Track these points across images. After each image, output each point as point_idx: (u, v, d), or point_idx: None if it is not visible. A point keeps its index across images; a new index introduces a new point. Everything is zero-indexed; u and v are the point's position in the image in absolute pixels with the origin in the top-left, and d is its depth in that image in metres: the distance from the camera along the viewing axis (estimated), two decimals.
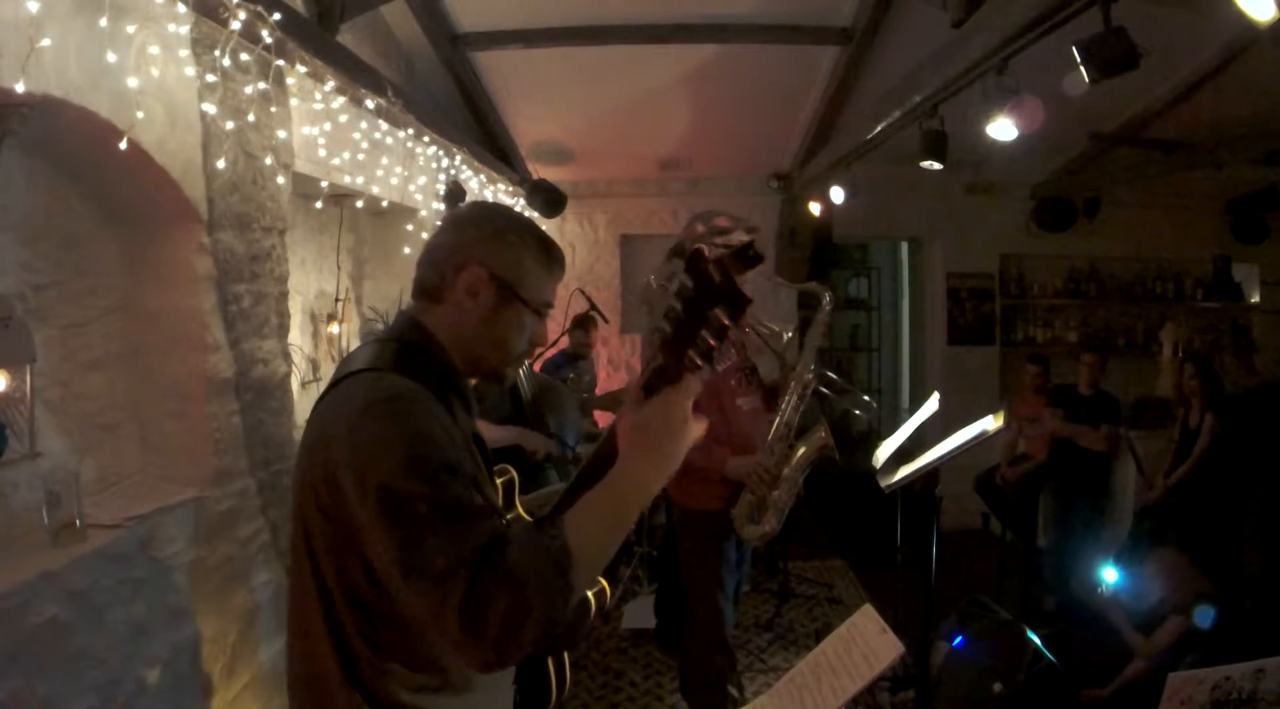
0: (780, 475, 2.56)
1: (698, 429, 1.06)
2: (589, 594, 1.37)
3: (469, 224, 1.23)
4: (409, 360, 1.14)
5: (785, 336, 2.78)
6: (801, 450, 2.60)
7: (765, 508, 2.55)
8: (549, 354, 4.61)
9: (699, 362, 1.00)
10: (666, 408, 1.03)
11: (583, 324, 4.67)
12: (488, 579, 0.93)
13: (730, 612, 2.72)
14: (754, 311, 2.71)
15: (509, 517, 1.31)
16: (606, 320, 4.90)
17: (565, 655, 1.47)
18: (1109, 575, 3.32)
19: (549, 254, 1.24)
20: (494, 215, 1.25)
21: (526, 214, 5.27)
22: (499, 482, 1.37)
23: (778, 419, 2.62)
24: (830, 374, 2.76)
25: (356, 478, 1.01)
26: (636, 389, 1.06)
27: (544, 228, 5.30)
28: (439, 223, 1.25)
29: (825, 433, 2.60)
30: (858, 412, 2.94)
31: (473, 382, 1.29)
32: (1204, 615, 2.86)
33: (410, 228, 3.73)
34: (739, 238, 2.64)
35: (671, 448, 1.04)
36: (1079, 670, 3.05)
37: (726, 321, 0.97)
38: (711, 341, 0.98)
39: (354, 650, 1.10)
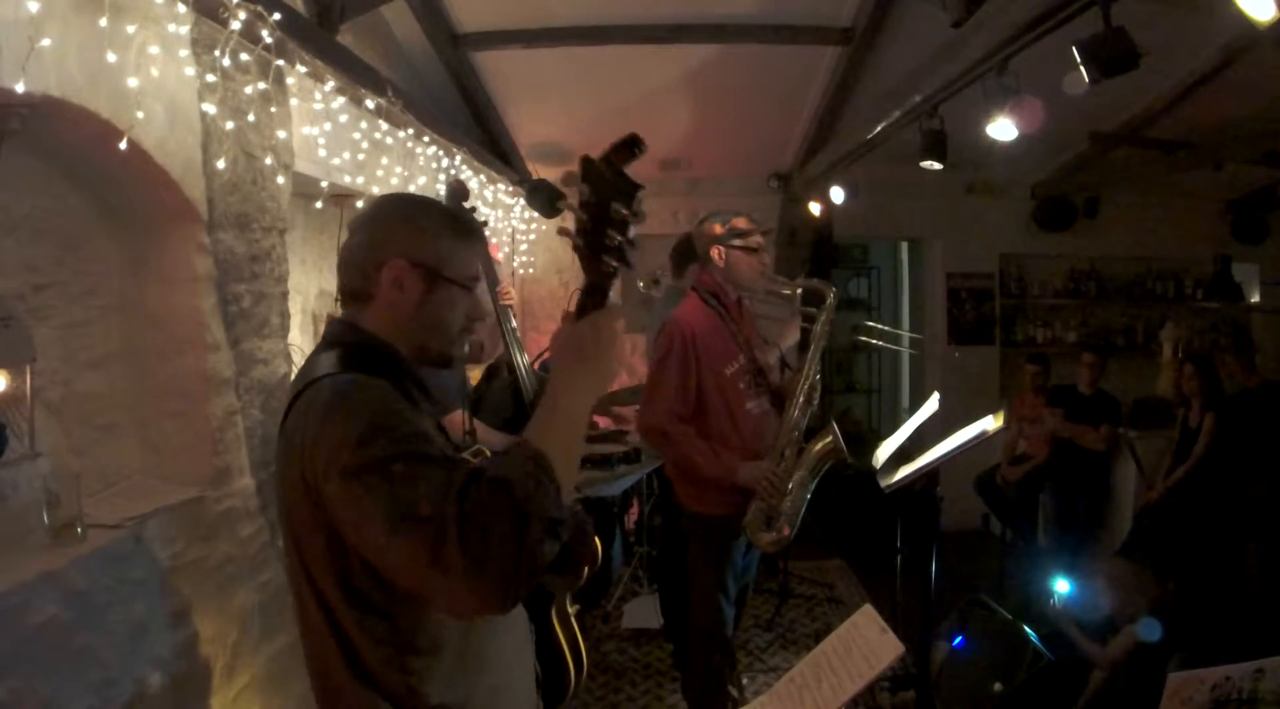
0: (791, 481, 2.54)
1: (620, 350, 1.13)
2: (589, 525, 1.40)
3: (378, 220, 1.24)
4: (358, 359, 1.16)
5: (797, 294, 2.79)
6: (815, 449, 2.59)
7: (779, 514, 2.54)
8: (550, 354, 4.61)
9: (614, 262, 1.05)
10: (595, 325, 1.09)
11: None
12: (476, 505, 0.93)
13: (732, 614, 2.72)
14: (765, 283, 2.73)
15: None
16: None
17: (580, 638, 1.48)
18: (1060, 586, 3.30)
19: (464, 228, 1.26)
20: (399, 204, 1.27)
21: (526, 214, 5.29)
22: (474, 461, 1.39)
23: (785, 424, 2.61)
24: (871, 325, 2.76)
25: (333, 471, 1.02)
26: (568, 312, 1.12)
27: (544, 228, 5.28)
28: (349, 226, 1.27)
29: (834, 436, 2.58)
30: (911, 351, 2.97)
31: (474, 381, 1.31)
32: (1149, 628, 2.84)
33: None
34: (755, 241, 2.64)
35: (600, 359, 1.10)
36: (1077, 670, 3.05)
37: (625, 211, 1.02)
38: (618, 238, 1.03)
39: (357, 646, 1.11)
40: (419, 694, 1.12)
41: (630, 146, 1.03)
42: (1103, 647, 3.00)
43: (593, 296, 1.09)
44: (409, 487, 0.97)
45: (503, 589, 0.92)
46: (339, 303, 1.31)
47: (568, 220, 1.12)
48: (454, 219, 1.26)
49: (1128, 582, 3.10)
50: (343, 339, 1.21)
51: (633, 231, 1.04)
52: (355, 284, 1.22)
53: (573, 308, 1.12)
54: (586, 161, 1.04)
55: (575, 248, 1.06)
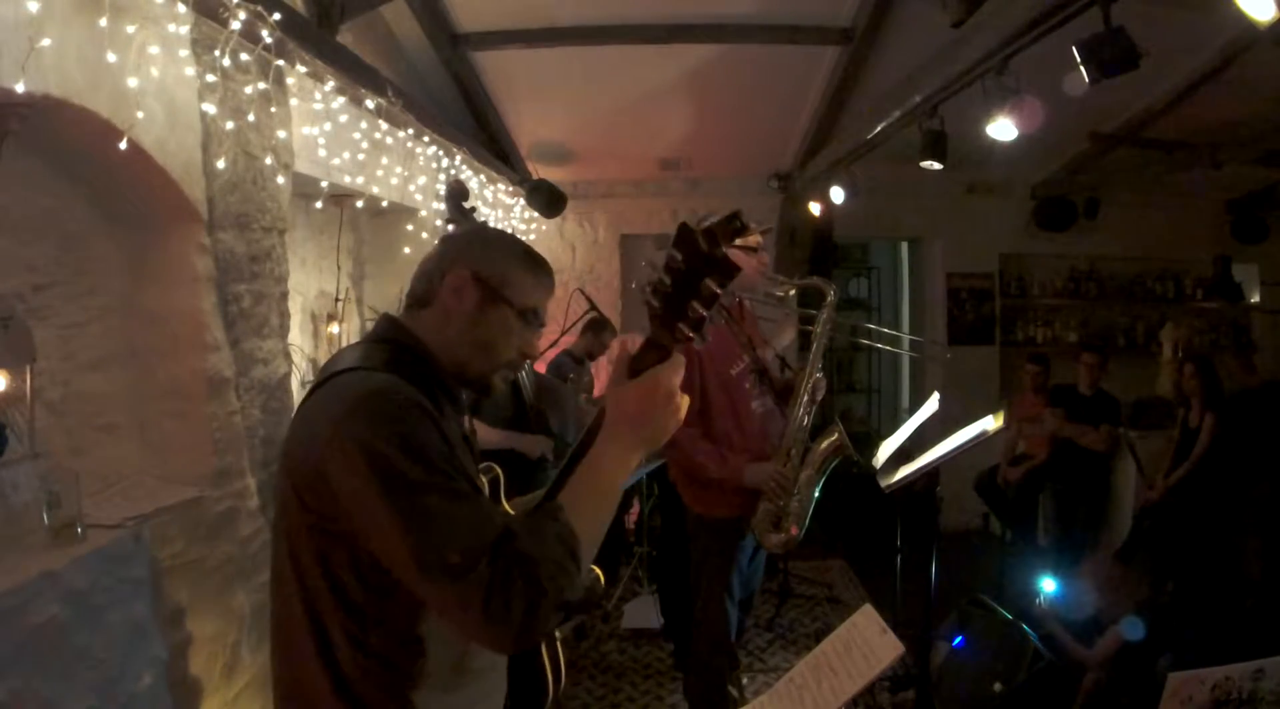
0: (798, 480, 2.54)
1: (683, 406, 1.10)
2: (597, 570, 1.41)
3: (458, 236, 1.33)
4: (397, 360, 1.15)
5: (791, 294, 2.78)
6: (821, 447, 2.59)
7: (787, 515, 2.54)
8: (550, 354, 4.61)
9: (689, 333, 1.02)
10: (652, 385, 1.06)
11: (598, 327, 4.67)
12: (503, 573, 0.96)
13: (736, 616, 2.72)
14: (764, 282, 2.73)
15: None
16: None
17: (560, 649, 1.48)
18: (1046, 586, 3.30)
19: (536, 263, 1.26)
20: (483, 229, 1.39)
21: (526, 214, 5.29)
22: (485, 478, 1.39)
23: (790, 424, 2.60)
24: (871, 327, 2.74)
25: (352, 474, 1.01)
26: (621, 366, 1.09)
27: (544, 228, 5.28)
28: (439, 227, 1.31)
29: (840, 433, 2.58)
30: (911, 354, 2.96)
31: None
32: (1133, 627, 2.84)
33: (410, 228, 3.73)
34: (753, 240, 2.64)
35: (655, 423, 1.08)
36: (1075, 671, 3.05)
37: (718, 290, 0.99)
38: (702, 312, 1.00)
39: (340, 655, 1.09)
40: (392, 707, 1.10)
41: (733, 223, 1.00)
42: (1088, 647, 3.00)
43: (654, 353, 1.06)
44: (440, 527, 0.98)
45: (510, 644, 1.00)
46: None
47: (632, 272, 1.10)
48: (530, 255, 1.26)
49: (1114, 582, 3.09)
50: (382, 336, 1.22)
51: (714, 309, 1.01)
52: (420, 289, 1.24)
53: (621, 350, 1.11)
54: (685, 229, 1.01)
55: (648, 306, 1.03)
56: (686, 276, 1.00)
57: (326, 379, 1.13)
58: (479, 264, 1.20)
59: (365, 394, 1.06)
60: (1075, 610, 3.16)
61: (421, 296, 1.23)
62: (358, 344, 1.23)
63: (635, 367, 1.08)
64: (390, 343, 1.19)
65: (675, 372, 1.07)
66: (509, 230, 5.28)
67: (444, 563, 0.96)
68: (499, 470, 1.52)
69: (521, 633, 0.97)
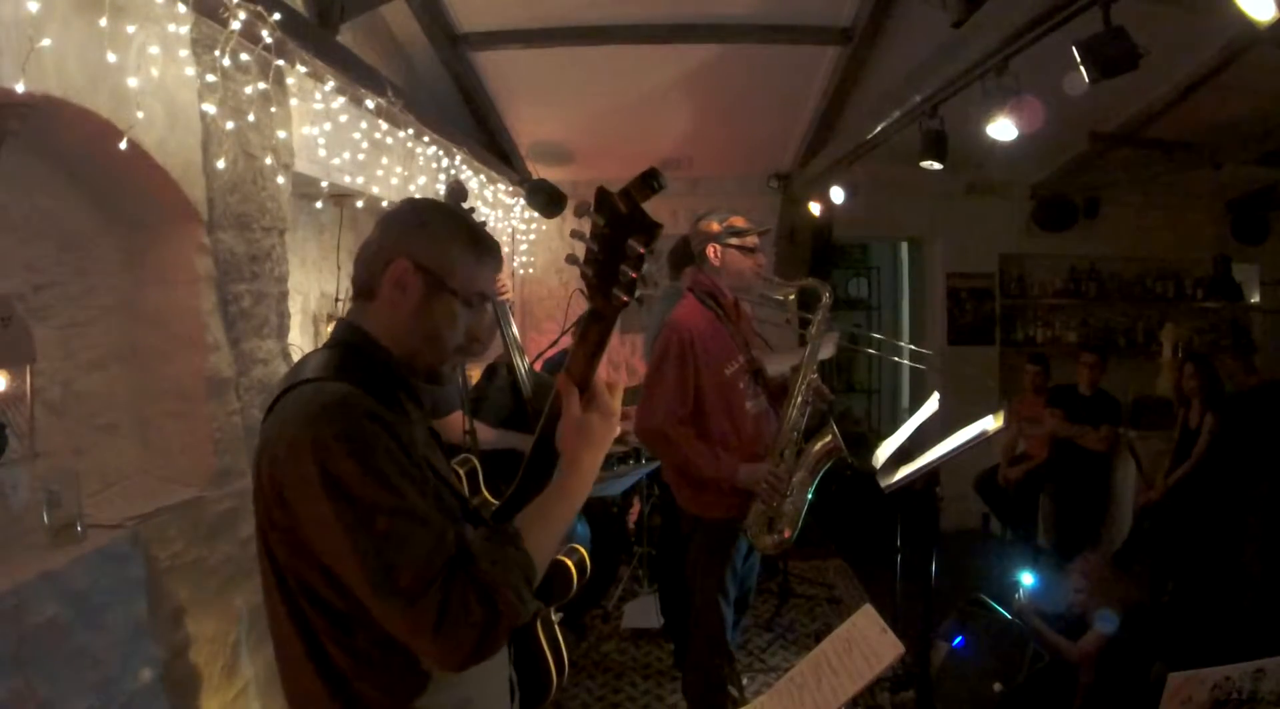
0: (791, 482, 2.54)
1: (617, 406, 1.19)
2: (570, 563, 1.44)
3: (395, 220, 1.23)
4: (351, 365, 1.14)
5: (789, 299, 2.79)
6: (814, 449, 2.59)
7: (780, 516, 2.54)
8: (550, 354, 4.60)
9: (624, 296, 1.04)
10: (606, 411, 1.15)
11: None
12: (459, 597, 0.97)
13: (732, 617, 2.72)
14: (760, 283, 2.74)
15: (475, 502, 1.32)
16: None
17: (561, 641, 1.48)
18: (1026, 579, 3.30)
19: (479, 244, 1.22)
20: (420, 209, 1.25)
21: (526, 214, 5.29)
22: (462, 470, 1.39)
23: (784, 424, 2.60)
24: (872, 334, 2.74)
25: (307, 491, 1.01)
26: (566, 381, 1.14)
27: (544, 228, 5.26)
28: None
29: (834, 435, 2.58)
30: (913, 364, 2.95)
31: (474, 380, 1.31)
32: (1106, 620, 2.84)
33: None
34: (752, 240, 2.64)
35: (606, 442, 1.16)
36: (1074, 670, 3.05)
37: (642, 249, 1.02)
38: (632, 273, 1.03)
39: (334, 661, 1.09)
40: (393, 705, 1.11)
41: (649, 182, 1.01)
42: (1070, 641, 3.00)
43: (597, 323, 1.09)
44: (391, 549, 0.98)
45: (458, 665, 1.01)
46: (340, 304, 1.31)
47: (576, 249, 1.10)
48: (471, 232, 1.22)
49: (1104, 582, 3.09)
50: (340, 340, 1.20)
51: (646, 267, 1.03)
52: (363, 279, 1.21)
53: (571, 331, 1.13)
54: (602, 193, 1.02)
55: (583, 276, 1.05)
56: (612, 241, 1.02)
57: (288, 390, 1.13)
58: (420, 253, 1.17)
59: (320, 408, 1.05)
60: (1054, 604, 3.16)
61: (365, 287, 1.21)
62: (319, 350, 1.22)
63: (582, 335, 1.12)
64: (349, 347, 1.18)
65: (614, 395, 1.16)
66: (508, 230, 5.29)
67: (395, 585, 0.97)
68: (476, 462, 1.52)
69: (470, 656, 0.99)
